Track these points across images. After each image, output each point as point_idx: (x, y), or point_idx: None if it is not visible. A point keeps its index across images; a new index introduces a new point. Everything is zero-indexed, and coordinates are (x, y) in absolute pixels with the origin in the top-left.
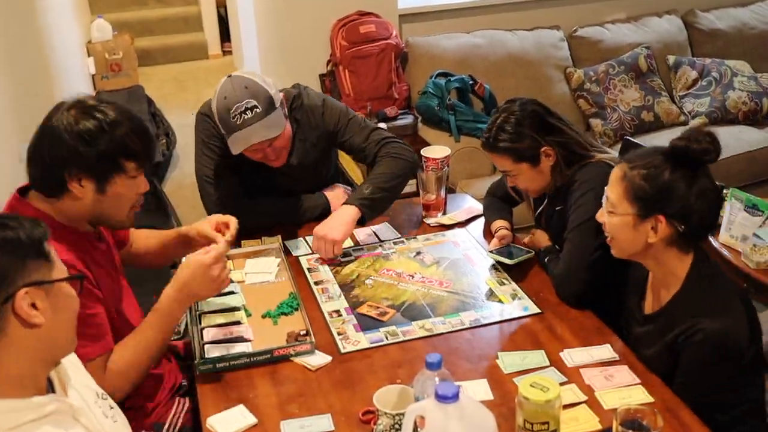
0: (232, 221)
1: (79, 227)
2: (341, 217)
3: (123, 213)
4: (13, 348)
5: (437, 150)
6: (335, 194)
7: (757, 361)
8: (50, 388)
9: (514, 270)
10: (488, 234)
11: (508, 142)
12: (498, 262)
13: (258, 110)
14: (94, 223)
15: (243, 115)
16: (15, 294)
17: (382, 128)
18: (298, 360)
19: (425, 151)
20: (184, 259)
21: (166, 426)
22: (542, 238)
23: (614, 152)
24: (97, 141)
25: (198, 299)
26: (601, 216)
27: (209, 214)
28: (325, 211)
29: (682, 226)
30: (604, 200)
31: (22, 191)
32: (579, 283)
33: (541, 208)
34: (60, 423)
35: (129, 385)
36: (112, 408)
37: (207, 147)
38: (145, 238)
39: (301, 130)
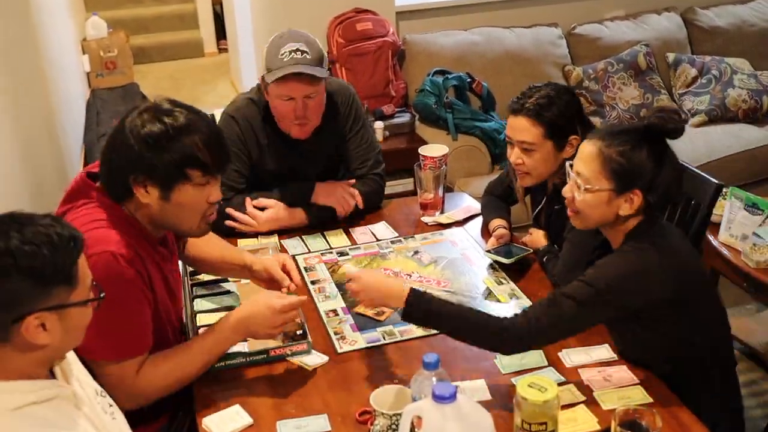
0: (291, 267)
1: (150, 231)
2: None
3: (192, 222)
4: (15, 356)
5: (435, 148)
6: (321, 184)
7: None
8: (51, 375)
9: (513, 269)
10: (486, 233)
11: (545, 111)
12: (496, 262)
13: (308, 56)
14: (161, 228)
15: (293, 54)
16: (26, 317)
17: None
18: (294, 360)
19: (423, 150)
20: (257, 294)
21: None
22: (540, 238)
23: None
24: (162, 147)
25: (251, 337)
26: (569, 192)
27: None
28: (308, 198)
29: (653, 198)
30: (573, 176)
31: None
32: None
33: (539, 207)
34: (61, 409)
35: (151, 397)
36: (111, 405)
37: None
38: (206, 245)
39: (332, 121)
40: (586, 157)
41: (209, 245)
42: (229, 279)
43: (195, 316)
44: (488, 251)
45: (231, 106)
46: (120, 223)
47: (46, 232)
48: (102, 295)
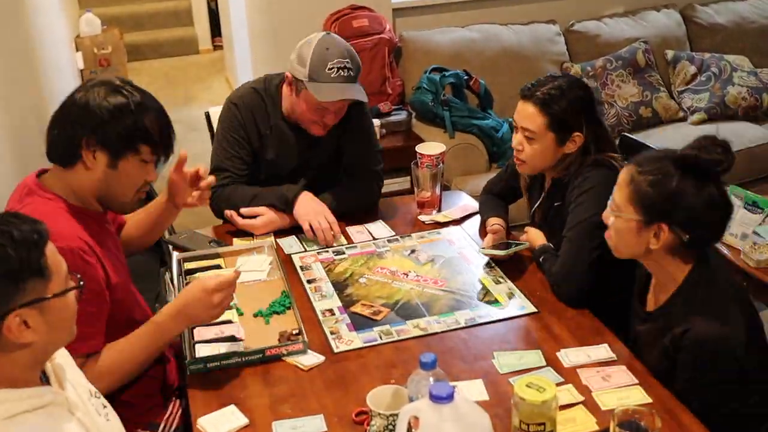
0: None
1: (90, 207)
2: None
3: (129, 194)
4: (5, 359)
5: (432, 146)
6: (305, 200)
7: (763, 368)
8: (44, 380)
9: (511, 269)
10: (484, 232)
11: (554, 102)
12: (492, 259)
13: (351, 74)
14: (100, 201)
15: (341, 71)
16: (5, 317)
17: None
18: (290, 360)
19: (420, 148)
20: (191, 281)
21: (162, 426)
22: (536, 236)
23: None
24: (122, 118)
25: (194, 323)
26: (607, 217)
27: (212, 203)
28: (289, 207)
29: (686, 236)
30: (610, 201)
31: (40, 174)
32: (578, 284)
33: (537, 204)
34: (55, 415)
35: (107, 386)
36: (105, 407)
37: (225, 138)
38: (131, 218)
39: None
40: (620, 182)
41: (135, 214)
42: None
43: None
44: (482, 248)
45: (234, 94)
46: (70, 213)
47: (6, 230)
48: (81, 283)
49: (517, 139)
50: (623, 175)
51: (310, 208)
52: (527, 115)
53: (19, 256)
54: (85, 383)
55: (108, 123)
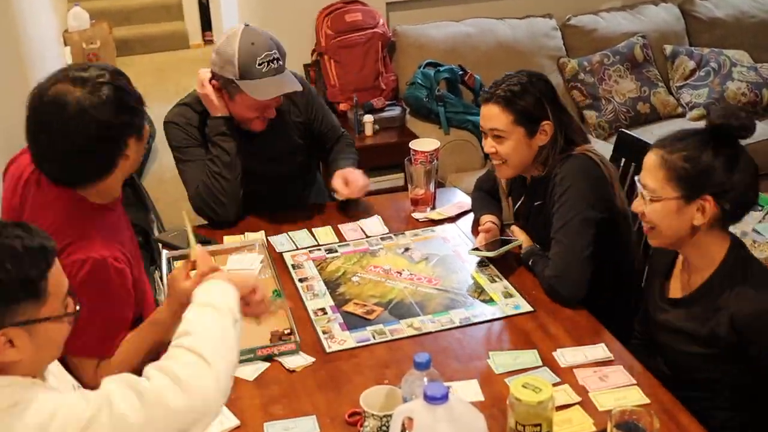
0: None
1: (110, 202)
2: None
3: (120, 183)
4: None
5: (426, 143)
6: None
7: None
8: None
9: (506, 267)
10: (477, 230)
11: (516, 98)
12: (484, 258)
13: (281, 63)
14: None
15: (271, 64)
16: None
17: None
18: (281, 360)
19: (414, 144)
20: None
21: None
22: (521, 237)
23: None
24: (123, 102)
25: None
26: (639, 206)
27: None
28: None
29: (728, 204)
30: (640, 189)
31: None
32: (573, 285)
33: (519, 203)
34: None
35: None
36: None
37: (183, 154)
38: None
39: (291, 109)
40: (650, 167)
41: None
42: None
43: None
44: (471, 250)
45: (168, 115)
46: (95, 218)
47: (10, 244)
48: (78, 308)
49: (488, 143)
50: (651, 160)
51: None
52: (492, 115)
53: (18, 276)
54: (68, 377)
55: (121, 115)
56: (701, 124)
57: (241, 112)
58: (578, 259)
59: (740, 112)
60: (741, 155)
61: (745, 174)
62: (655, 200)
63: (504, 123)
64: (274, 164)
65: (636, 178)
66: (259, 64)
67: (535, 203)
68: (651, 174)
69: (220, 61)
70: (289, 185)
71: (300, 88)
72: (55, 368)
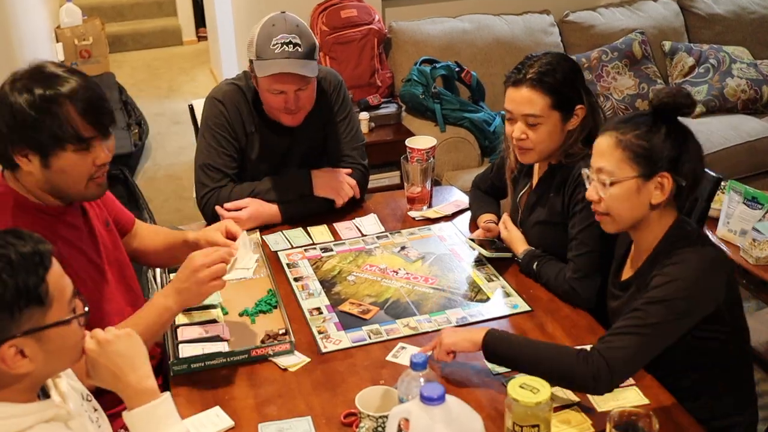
0: (235, 229)
1: (45, 201)
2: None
3: (79, 186)
4: (2, 387)
5: (422, 140)
6: (320, 173)
7: (738, 335)
8: (41, 393)
9: (503, 266)
10: (474, 228)
11: (551, 80)
12: (479, 254)
13: (300, 50)
14: (56, 196)
15: (285, 46)
16: None
17: (364, 147)
18: (276, 360)
19: (410, 142)
20: None
21: None
22: (517, 240)
23: None
24: (33, 116)
25: (182, 299)
26: (594, 194)
27: (199, 201)
28: (306, 190)
29: (683, 180)
30: (593, 175)
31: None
32: (594, 286)
33: (524, 191)
34: (51, 430)
35: None
36: (96, 410)
37: (212, 135)
38: (150, 235)
39: (318, 108)
40: (604, 149)
41: (156, 234)
42: None
43: None
44: (471, 239)
45: (216, 91)
46: (18, 209)
47: (4, 253)
48: (86, 309)
49: (518, 128)
50: (605, 142)
51: (328, 183)
52: (525, 100)
53: (16, 284)
54: (80, 387)
55: (22, 124)
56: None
57: (264, 99)
58: (598, 260)
59: (681, 91)
60: (687, 132)
61: (693, 149)
62: (614, 183)
63: (540, 107)
64: (286, 164)
65: (584, 170)
66: (273, 45)
67: (549, 194)
68: (606, 156)
69: (248, 45)
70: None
71: (313, 74)
72: (66, 379)
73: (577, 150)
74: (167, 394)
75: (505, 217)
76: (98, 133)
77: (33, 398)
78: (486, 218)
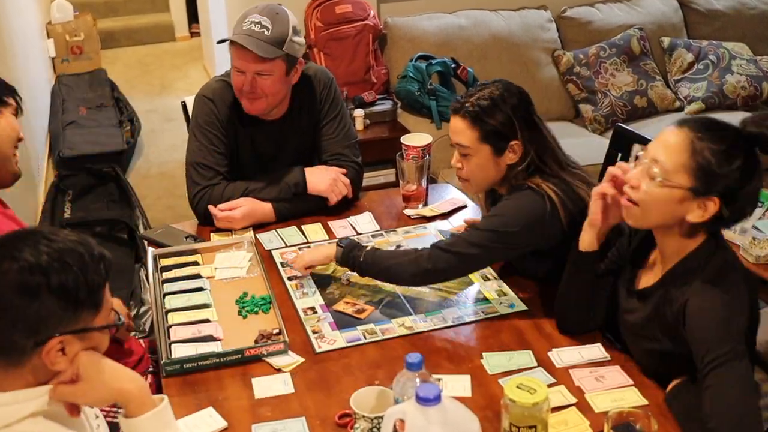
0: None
1: None
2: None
3: (8, 153)
4: (22, 382)
5: (418, 137)
6: (313, 171)
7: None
8: None
9: (500, 265)
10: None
11: (484, 114)
12: None
13: (266, 33)
14: None
15: (253, 25)
16: (49, 340)
17: (356, 144)
18: (270, 360)
19: (405, 139)
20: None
21: None
22: None
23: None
24: None
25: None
26: (636, 179)
27: (191, 200)
28: (299, 188)
29: (728, 212)
30: (646, 162)
31: None
32: (449, 263)
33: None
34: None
35: None
36: (97, 417)
37: (202, 133)
38: None
39: (307, 107)
40: (672, 145)
41: None
42: (202, 275)
43: (166, 315)
44: (441, 231)
45: (206, 89)
46: None
47: (75, 249)
48: (121, 321)
49: (455, 157)
50: (677, 137)
51: (322, 181)
52: (459, 130)
53: (85, 281)
54: None
55: None
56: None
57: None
58: (469, 256)
59: None
60: (758, 168)
61: (755, 187)
62: (664, 183)
63: (469, 139)
64: (276, 162)
65: (639, 147)
66: (244, 22)
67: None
68: (670, 153)
69: None
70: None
71: (262, 55)
72: None
73: (519, 182)
74: (166, 399)
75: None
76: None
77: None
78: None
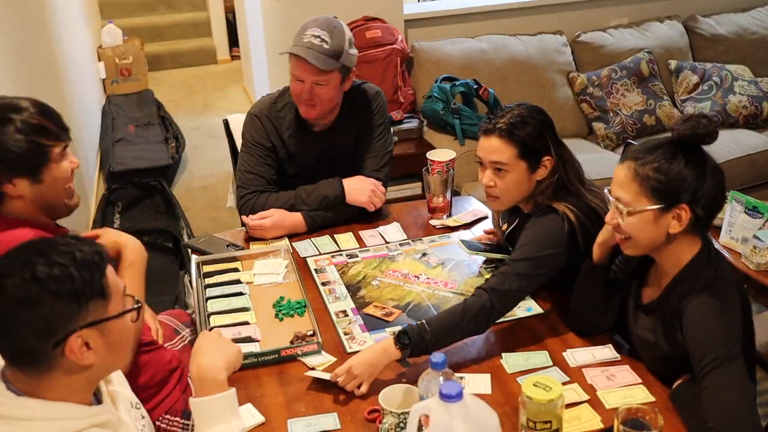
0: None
1: (46, 227)
2: None
3: (63, 195)
4: (63, 380)
5: (442, 153)
6: (352, 181)
7: (747, 361)
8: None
9: None
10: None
11: (518, 131)
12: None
13: (324, 46)
14: (47, 214)
15: (312, 38)
16: (67, 338)
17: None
18: (304, 360)
19: (431, 155)
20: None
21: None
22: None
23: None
24: (17, 140)
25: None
26: (613, 219)
27: (237, 204)
28: (338, 199)
29: (701, 210)
30: (612, 202)
31: None
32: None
33: (512, 227)
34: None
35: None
36: (143, 417)
37: (249, 148)
38: None
39: (354, 116)
40: (622, 180)
41: None
42: (241, 280)
43: (208, 318)
44: (462, 240)
45: (254, 107)
46: (31, 233)
47: (68, 251)
48: (138, 305)
49: (488, 176)
50: (623, 173)
51: (362, 192)
52: (494, 149)
53: (83, 277)
54: (129, 394)
55: (13, 155)
56: None
57: (291, 86)
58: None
59: (703, 119)
60: (707, 160)
61: (713, 178)
62: (631, 213)
63: (507, 156)
64: (321, 171)
65: (606, 190)
66: (305, 34)
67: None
68: (624, 187)
69: None
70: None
71: (324, 67)
72: (116, 378)
73: (543, 199)
74: (233, 389)
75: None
76: (66, 134)
77: (88, 399)
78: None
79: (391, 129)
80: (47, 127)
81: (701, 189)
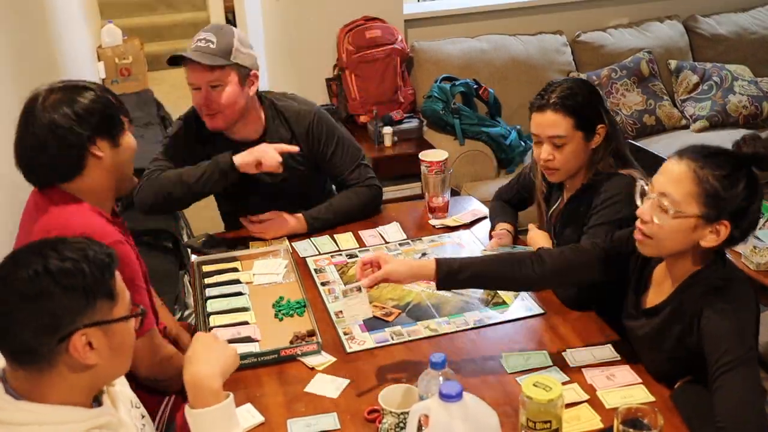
0: None
1: (106, 209)
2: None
3: (131, 167)
4: (64, 384)
5: (434, 153)
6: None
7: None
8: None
9: None
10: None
11: (575, 102)
12: None
13: (211, 46)
14: (118, 184)
15: (198, 42)
16: (72, 335)
17: (367, 164)
18: (304, 360)
19: (423, 155)
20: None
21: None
22: (538, 238)
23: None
24: (102, 105)
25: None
26: (648, 214)
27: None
28: (227, 165)
29: (738, 232)
30: (656, 197)
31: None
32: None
33: (554, 208)
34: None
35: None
36: (143, 417)
37: (166, 145)
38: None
39: (295, 137)
40: (677, 177)
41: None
42: (241, 280)
43: (208, 317)
44: (483, 250)
45: (186, 112)
46: (94, 212)
47: (81, 248)
48: (141, 310)
49: (545, 150)
50: (680, 169)
51: (250, 153)
52: (550, 123)
53: (93, 274)
54: (129, 393)
55: (97, 115)
56: (704, 135)
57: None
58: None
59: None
60: (758, 185)
61: (758, 204)
62: (676, 216)
63: (564, 128)
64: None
65: (643, 183)
66: (192, 43)
67: (580, 210)
68: (677, 185)
69: None
70: (285, 201)
71: (208, 62)
72: (119, 386)
73: (604, 167)
74: (230, 397)
75: (531, 225)
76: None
77: (88, 402)
78: (502, 226)
79: (388, 129)
80: (116, 101)
81: (747, 210)
